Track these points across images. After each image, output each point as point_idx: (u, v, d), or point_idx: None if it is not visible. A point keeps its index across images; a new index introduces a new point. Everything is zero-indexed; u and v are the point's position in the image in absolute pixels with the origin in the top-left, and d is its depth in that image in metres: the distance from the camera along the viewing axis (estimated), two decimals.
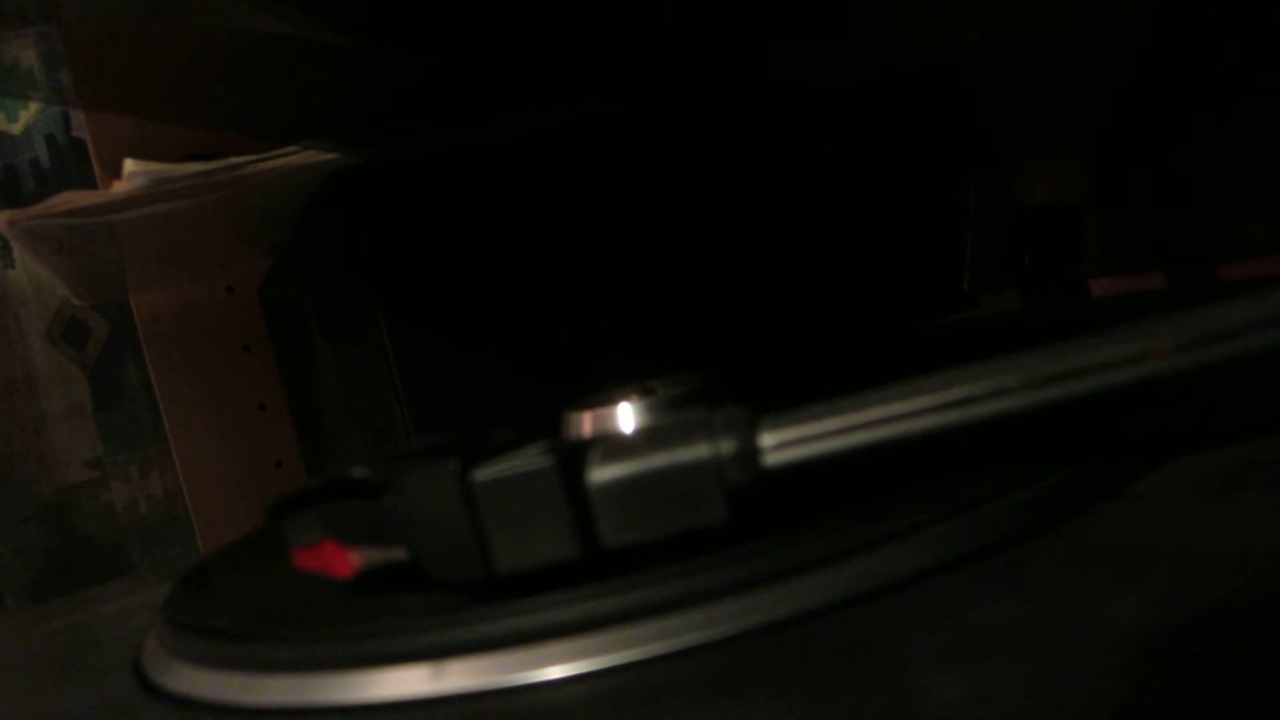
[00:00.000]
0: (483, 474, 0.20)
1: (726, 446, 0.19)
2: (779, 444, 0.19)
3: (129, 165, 0.46)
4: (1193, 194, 0.48)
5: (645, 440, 0.20)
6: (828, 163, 0.51)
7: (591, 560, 0.20)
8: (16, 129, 0.64)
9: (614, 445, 0.20)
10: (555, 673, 0.19)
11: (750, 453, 0.19)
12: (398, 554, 0.21)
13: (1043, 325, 0.48)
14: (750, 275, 0.50)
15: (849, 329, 0.52)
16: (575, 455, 0.20)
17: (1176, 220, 0.49)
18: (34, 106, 0.63)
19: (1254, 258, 0.47)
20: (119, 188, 0.46)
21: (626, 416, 0.24)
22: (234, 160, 0.45)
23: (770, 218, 0.51)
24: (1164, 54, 0.42)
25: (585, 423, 0.25)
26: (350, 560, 0.21)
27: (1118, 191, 0.51)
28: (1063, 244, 0.50)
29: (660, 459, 0.20)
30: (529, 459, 0.20)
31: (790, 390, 0.21)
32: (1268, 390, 0.24)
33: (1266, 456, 0.22)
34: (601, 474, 0.20)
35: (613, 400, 0.25)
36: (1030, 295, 0.52)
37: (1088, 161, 0.52)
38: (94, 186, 0.52)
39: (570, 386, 0.27)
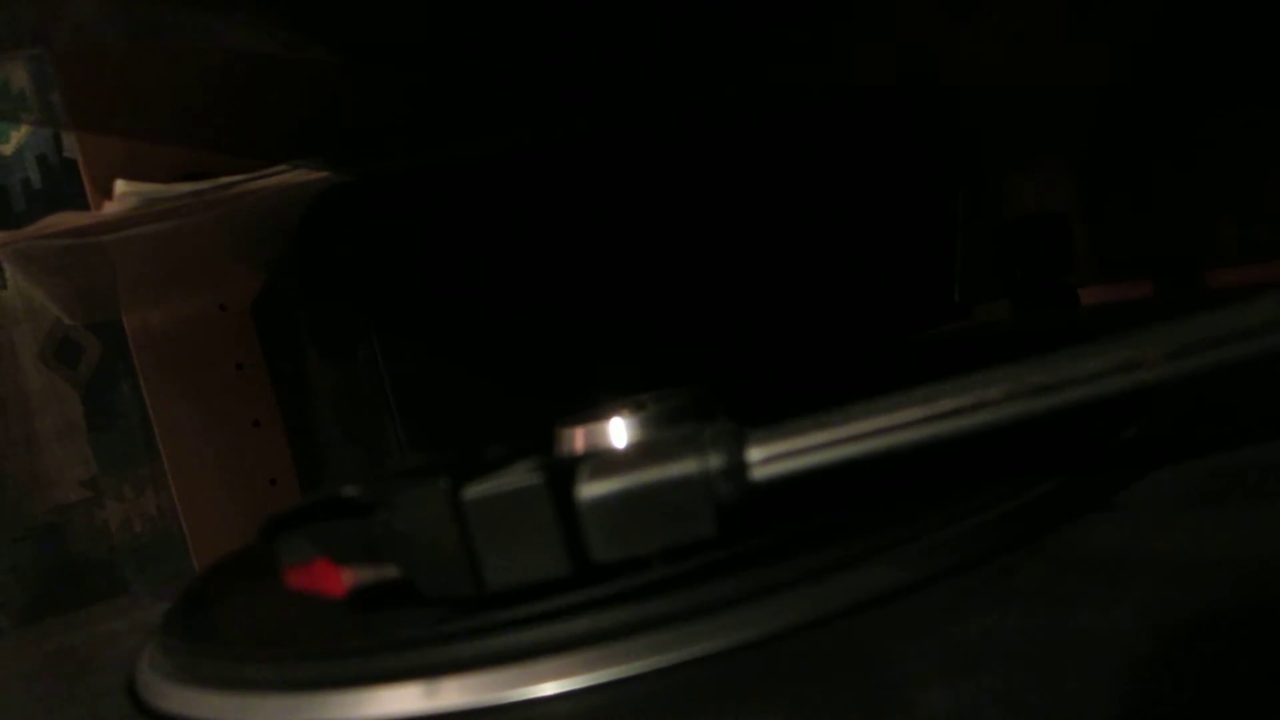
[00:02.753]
0: (473, 491, 0.20)
1: (715, 461, 0.20)
2: (767, 458, 0.20)
3: (120, 186, 0.46)
4: (1181, 202, 0.48)
5: (634, 456, 0.20)
6: (818, 175, 0.52)
7: (582, 576, 0.20)
8: (8, 150, 0.64)
9: (603, 461, 0.20)
10: (548, 689, 0.19)
11: (738, 467, 0.20)
12: (390, 572, 0.21)
13: (1033, 334, 0.48)
14: (741, 287, 0.51)
15: (841, 340, 0.52)
16: (565, 471, 0.20)
17: (1165, 228, 0.49)
18: (25, 127, 0.63)
19: (1242, 264, 0.47)
20: (111, 208, 0.46)
21: (618, 431, 0.25)
22: (226, 179, 0.45)
23: (761, 230, 0.51)
24: (1151, 63, 0.43)
25: (577, 438, 0.25)
26: (342, 579, 0.21)
27: (1107, 200, 0.52)
28: (1052, 253, 0.51)
29: (649, 474, 0.20)
30: (519, 476, 0.20)
31: (782, 403, 0.22)
32: (1250, 399, 0.25)
33: (1250, 465, 0.22)
34: (591, 490, 0.20)
35: (604, 415, 0.25)
36: (1021, 304, 0.52)
37: (1077, 170, 0.53)
38: (85, 207, 0.52)
39: (563, 401, 0.27)
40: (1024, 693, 0.15)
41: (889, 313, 0.53)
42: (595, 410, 0.25)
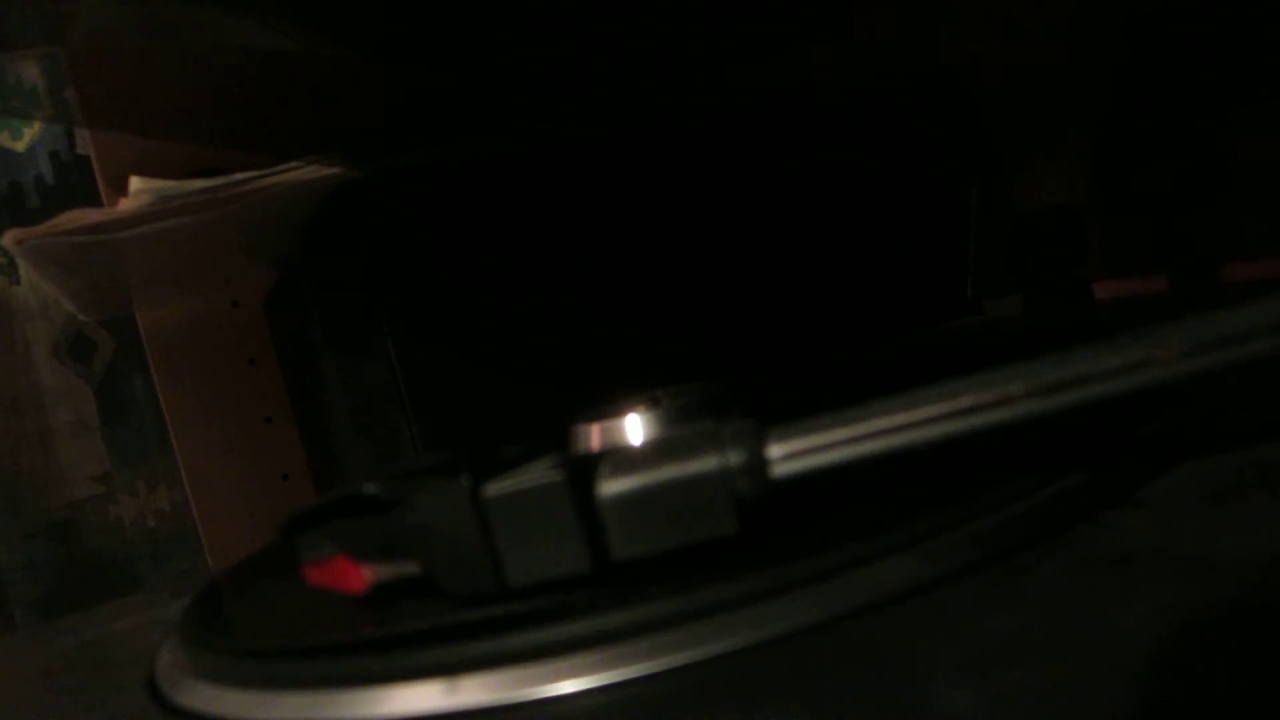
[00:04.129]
0: (494, 489, 0.20)
1: (735, 458, 0.20)
2: (787, 455, 0.20)
3: (135, 183, 0.46)
4: (1196, 195, 0.48)
5: (654, 453, 0.20)
6: (830, 169, 0.51)
7: (602, 573, 0.20)
8: (21, 146, 0.64)
9: (623, 458, 0.20)
10: (568, 687, 0.19)
11: (759, 464, 0.20)
12: (410, 569, 0.21)
13: (1047, 329, 0.48)
14: (754, 282, 0.51)
15: (853, 335, 0.52)
16: (585, 469, 0.20)
17: (1179, 222, 0.49)
18: (38, 124, 0.63)
19: (1257, 259, 0.47)
20: (125, 205, 0.46)
21: (634, 428, 0.25)
22: (239, 176, 0.45)
23: (773, 225, 0.51)
24: (1165, 57, 0.43)
25: (593, 435, 0.25)
26: (363, 576, 0.21)
27: (1120, 194, 0.51)
28: (1065, 247, 0.50)
29: (669, 472, 0.20)
30: (540, 473, 0.20)
31: (795, 398, 0.22)
32: (1272, 395, 0.24)
33: (1272, 461, 0.22)
34: (611, 487, 0.20)
35: (620, 412, 0.25)
36: (1034, 299, 0.52)
37: (1090, 164, 0.52)
38: (98, 203, 0.52)
39: (577, 397, 0.27)
40: (1044, 691, 0.15)
41: (901, 308, 0.53)
42: (610, 407, 0.25)
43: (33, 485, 0.64)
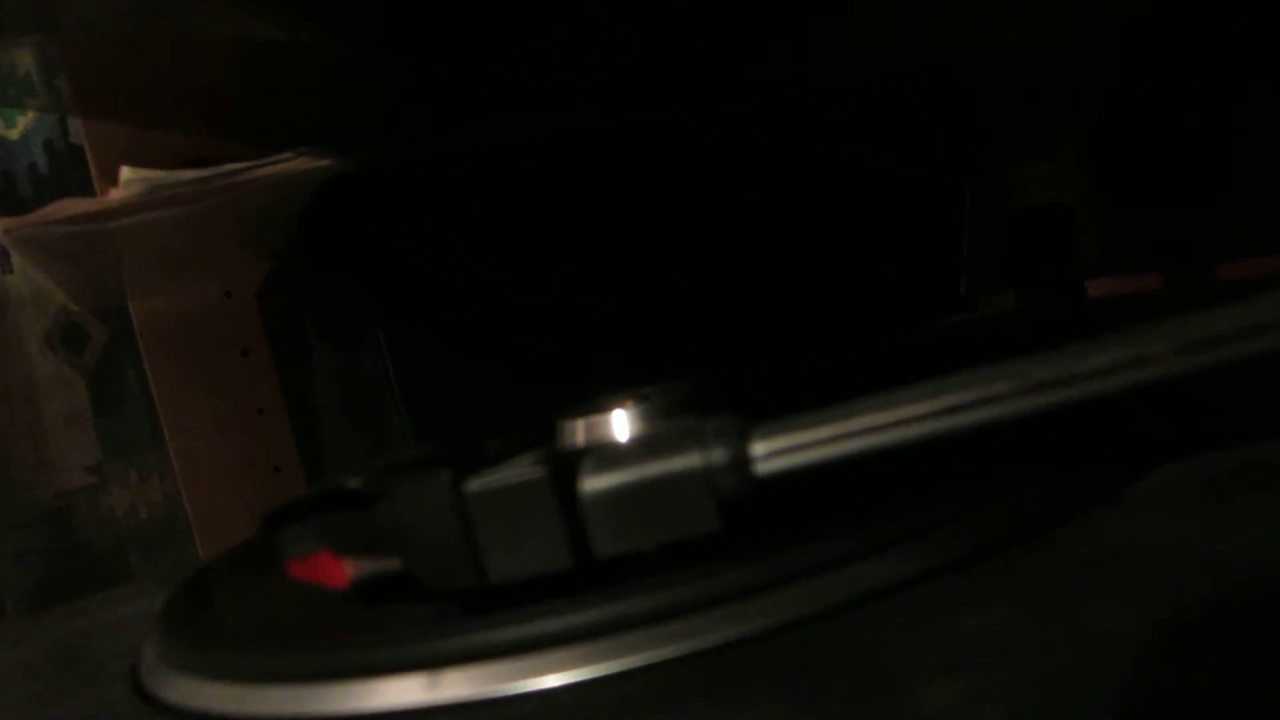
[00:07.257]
0: (476, 484, 0.20)
1: (718, 455, 0.19)
2: (771, 453, 0.20)
3: (126, 172, 0.46)
4: (1189, 194, 0.48)
5: (637, 450, 0.20)
6: (823, 165, 0.51)
7: (584, 570, 0.20)
8: (14, 135, 0.64)
9: (606, 455, 0.20)
10: (550, 682, 0.19)
11: (742, 462, 0.19)
12: (392, 564, 0.21)
13: (1039, 327, 0.48)
14: (746, 278, 0.51)
15: (845, 331, 0.52)
16: (568, 465, 0.20)
17: (1173, 220, 0.49)
18: (31, 113, 0.63)
19: (1251, 258, 0.47)
20: (117, 195, 0.46)
21: (621, 423, 0.25)
22: (231, 166, 0.45)
23: (765, 221, 0.51)
24: (1162, 53, 0.43)
25: (579, 430, 0.25)
26: (344, 571, 0.21)
27: (1114, 192, 0.51)
28: (1059, 244, 0.50)
29: (652, 469, 0.20)
30: (522, 469, 0.20)
31: (786, 394, 0.21)
32: (1257, 394, 0.24)
33: (1256, 460, 0.22)
34: (594, 484, 0.20)
35: (607, 407, 0.25)
36: (1027, 296, 0.52)
37: (1084, 162, 0.52)
38: (91, 192, 0.52)
39: (567, 390, 0.27)
40: (1026, 688, 0.15)
41: (894, 304, 0.53)
42: (598, 402, 0.25)
43: (24, 475, 0.64)
